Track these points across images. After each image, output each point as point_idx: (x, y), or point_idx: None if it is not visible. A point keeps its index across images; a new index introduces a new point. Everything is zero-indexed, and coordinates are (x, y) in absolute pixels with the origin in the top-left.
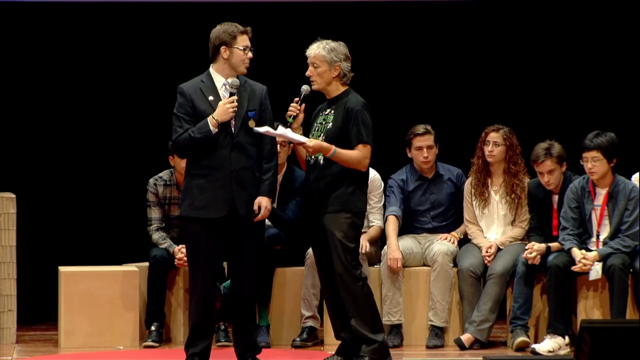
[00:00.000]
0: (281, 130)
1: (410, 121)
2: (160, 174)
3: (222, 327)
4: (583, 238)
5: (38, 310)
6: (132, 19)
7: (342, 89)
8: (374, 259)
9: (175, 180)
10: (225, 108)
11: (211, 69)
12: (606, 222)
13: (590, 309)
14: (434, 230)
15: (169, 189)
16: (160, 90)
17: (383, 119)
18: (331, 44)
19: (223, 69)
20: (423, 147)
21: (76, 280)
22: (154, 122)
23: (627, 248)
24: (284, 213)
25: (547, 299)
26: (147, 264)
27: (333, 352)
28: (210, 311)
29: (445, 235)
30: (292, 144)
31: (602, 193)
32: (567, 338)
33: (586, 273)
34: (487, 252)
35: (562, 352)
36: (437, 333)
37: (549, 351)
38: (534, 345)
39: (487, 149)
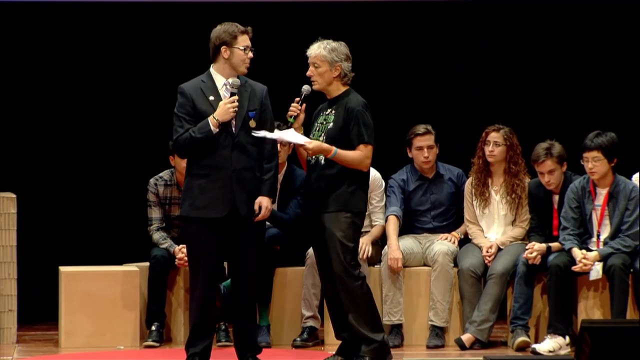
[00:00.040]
0: (279, 133)
1: (410, 121)
2: (160, 174)
3: (223, 327)
4: (583, 238)
5: (39, 310)
6: (132, 19)
7: (343, 89)
8: (375, 258)
9: (175, 180)
10: (225, 108)
11: (212, 69)
12: (607, 222)
13: (591, 309)
14: (434, 230)
15: (169, 189)
16: (160, 90)
17: (383, 119)
18: (332, 44)
19: (224, 69)
20: (424, 147)
21: (77, 280)
22: (154, 122)
23: (628, 248)
24: (284, 212)
25: (547, 299)
26: (147, 264)
27: (333, 352)
28: (210, 311)
29: (446, 235)
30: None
31: (602, 193)
32: (567, 338)
33: (587, 273)
34: (487, 252)
35: (562, 352)
36: (438, 333)
37: (550, 351)
38: (534, 345)
39: (488, 149)
